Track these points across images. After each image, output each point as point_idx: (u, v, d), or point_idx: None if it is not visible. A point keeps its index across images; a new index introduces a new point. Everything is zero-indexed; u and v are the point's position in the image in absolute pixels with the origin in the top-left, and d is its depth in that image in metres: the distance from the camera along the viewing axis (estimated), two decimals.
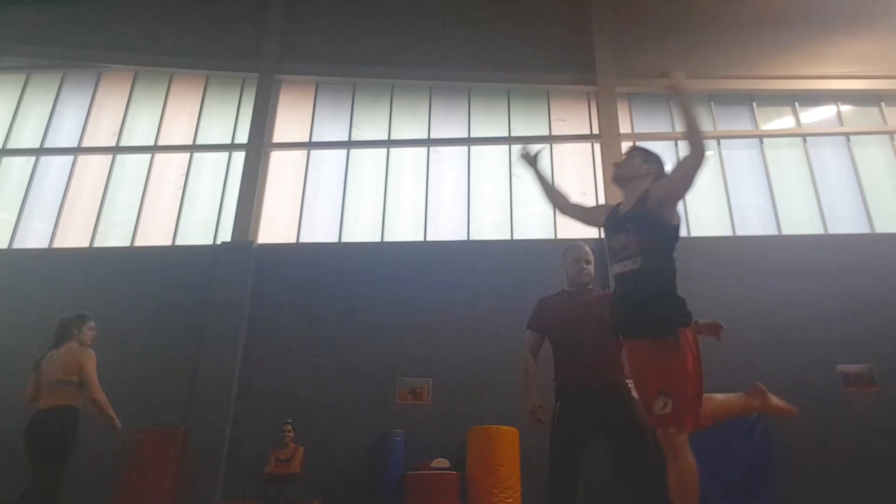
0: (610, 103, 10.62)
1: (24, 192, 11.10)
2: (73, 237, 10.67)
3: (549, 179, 4.14)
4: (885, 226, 9.65)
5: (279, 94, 11.51)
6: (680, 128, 10.86)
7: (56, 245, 10.63)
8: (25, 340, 9.58)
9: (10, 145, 11.60)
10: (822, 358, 8.52)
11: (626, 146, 10.27)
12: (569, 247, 4.25)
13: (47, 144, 11.53)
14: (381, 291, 9.55)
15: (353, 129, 11.18)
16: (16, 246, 10.69)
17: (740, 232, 9.81)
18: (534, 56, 11.26)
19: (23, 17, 12.42)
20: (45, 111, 11.84)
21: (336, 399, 8.90)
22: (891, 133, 10.37)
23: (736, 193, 10.13)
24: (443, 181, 10.65)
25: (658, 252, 3.18)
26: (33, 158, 11.40)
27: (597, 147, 10.51)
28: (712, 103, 10.85)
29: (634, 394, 3.48)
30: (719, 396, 3.35)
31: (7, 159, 11.52)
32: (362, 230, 10.35)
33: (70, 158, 11.33)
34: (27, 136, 11.68)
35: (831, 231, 9.63)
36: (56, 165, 11.33)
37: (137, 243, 10.49)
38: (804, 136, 10.50)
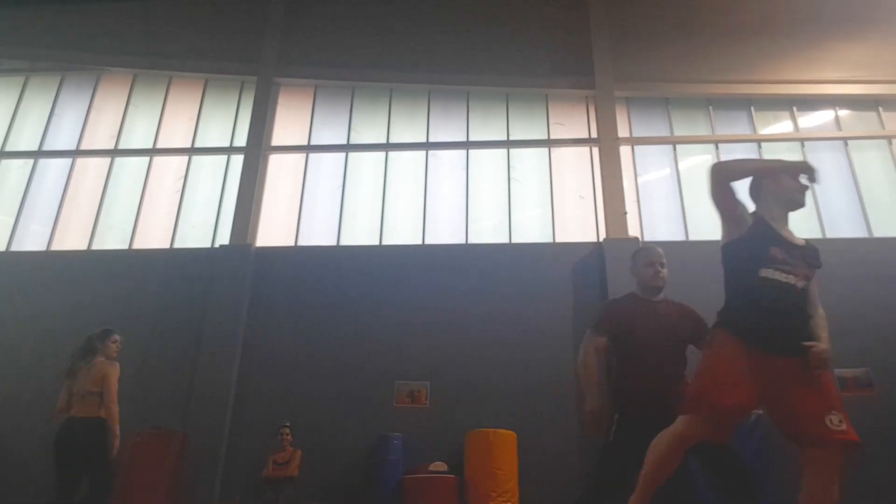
0: (608, 107, 10.63)
1: (22, 194, 11.10)
2: (72, 240, 10.67)
3: None
4: (882, 230, 9.67)
5: (278, 98, 11.52)
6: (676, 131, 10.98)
7: (54, 247, 10.62)
8: (24, 342, 9.61)
9: (8, 147, 11.61)
10: None
11: (624, 150, 10.38)
12: (640, 249, 3.96)
13: (46, 147, 11.53)
14: (379, 295, 9.55)
15: (352, 132, 11.19)
16: (14, 248, 10.69)
17: None
18: (532, 60, 11.28)
19: (22, 20, 12.44)
20: (44, 113, 11.85)
21: (334, 402, 8.90)
22: (889, 137, 10.40)
23: None
24: (441, 185, 10.65)
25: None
26: (32, 161, 11.41)
27: (595, 151, 10.52)
28: (710, 108, 10.86)
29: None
30: None
31: (6, 161, 11.52)
32: (361, 233, 10.36)
33: (69, 161, 11.33)
34: (26, 138, 11.69)
35: (829, 235, 9.64)
36: (55, 168, 11.34)
37: (136, 246, 10.49)
38: (802, 140, 10.52)
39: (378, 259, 9.90)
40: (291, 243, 10.33)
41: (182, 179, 10.97)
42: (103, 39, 12.13)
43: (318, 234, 10.40)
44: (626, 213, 9.72)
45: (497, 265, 9.61)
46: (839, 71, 10.69)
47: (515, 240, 10.07)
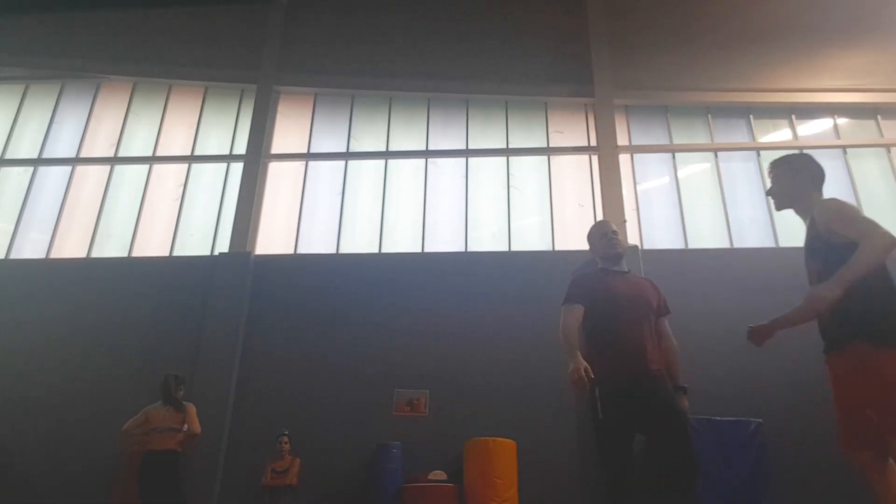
0: (607, 115, 10.65)
1: (21, 202, 11.10)
2: (71, 247, 10.66)
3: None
4: None
5: (278, 105, 11.55)
6: (677, 140, 11.01)
7: (53, 255, 10.62)
8: (23, 350, 9.59)
9: (8, 155, 11.62)
10: (820, 370, 8.42)
11: (623, 158, 10.39)
12: (591, 229, 4.09)
13: (45, 154, 11.54)
14: (378, 303, 9.53)
15: (352, 140, 11.21)
16: (13, 256, 10.68)
17: (738, 244, 9.81)
18: (531, 68, 11.30)
19: (22, 27, 12.47)
20: (44, 121, 11.87)
21: (333, 410, 8.87)
22: (887, 146, 10.41)
23: (733, 206, 10.14)
24: (441, 192, 10.66)
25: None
26: (31, 168, 11.42)
27: (594, 159, 10.53)
28: (709, 116, 10.88)
29: None
30: None
31: (5, 169, 11.53)
32: (360, 241, 10.35)
33: (68, 169, 11.34)
34: (25, 145, 11.70)
35: None
36: (54, 175, 11.34)
37: (135, 254, 10.48)
38: (801, 148, 10.51)
39: (377, 267, 9.89)
40: (291, 251, 10.33)
41: (182, 187, 10.97)
42: (103, 47, 12.16)
43: (318, 242, 10.40)
44: (625, 220, 9.73)
45: (496, 273, 9.60)
46: (838, 79, 10.71)
47: (515, 247, 10.07)
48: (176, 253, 10.44)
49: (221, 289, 9.66)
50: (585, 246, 9.99)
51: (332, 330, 9.40)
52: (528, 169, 10.73)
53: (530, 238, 10.19)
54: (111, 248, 10.63)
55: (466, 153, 10.89)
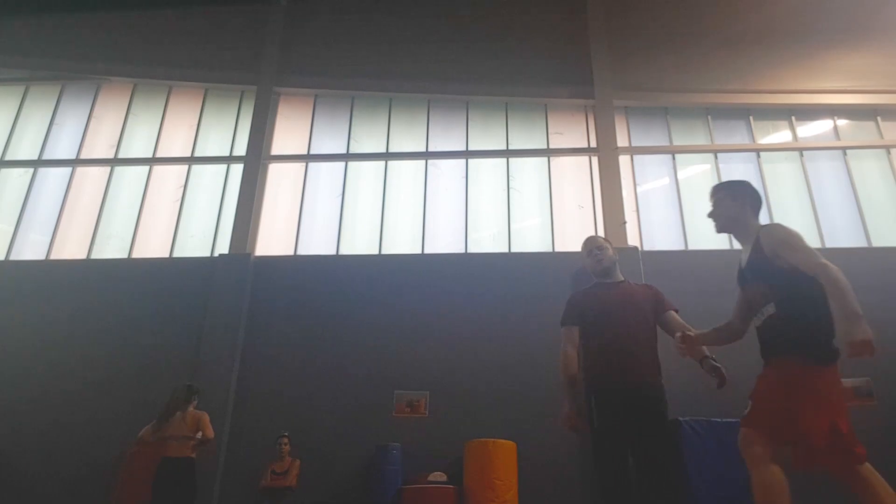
0: (607, 117, 10.66)
1: (21, 203, 11.10)
2: (71, 249, 10.66)
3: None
4: (881, 240, 9.67)
5: (278, 107, 11.55)
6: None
7: (53, 256, 10.62)
8: (23, 351, 9.59)
9: (8, 156, 11.62)
10: None
11: (623, 159, 10.39)
12: (581, 246, 4.14)
13: (46, 156, 11.55)
14: (378, 304, 9.53)
15: (352, 141, 11.21)
16: (13, 257, 10.68)
17: (737, 245, 9.76)
18: (532, 70, 11.31)
19: (22, 29, 12.48)
20: (44, 122, 11.87)
21: (333, 411, 8.87)
22: (887, 147, 10.42)
23: None
24: (441, 194, 10.66)
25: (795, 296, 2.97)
26: (31, 170, 11.42)
27: (594, 160, 10.54)
28: (709, 117, 10.89)
29: None
30: None
31: (5, 170, 11.53)
32: (360, 242, 10.35)
33: (68, 170, 11.34)
34: (25, 147, 11.70)
35: (828, 245, 9.64)
36: (54, 177, 11.35)
37: (135, 255, 10.48)
38: (801, 150, 10.54)
39: (377, 268, 9.89)
40: (291, 252, 10.33)
41: (182, 188, 10.97)
42: (104, 49, 12.17)
43: (318, 243, 10.40)
44: (625, 222, 9.73)
45: (496, 274, 9.60)
46: (837, 81, 10.72)
47: (515, 249, 10.07)
48: (176, 254, 10.44)
49: (221, 290, 9.67)
50: None
51: (331, 331, 9.39)
52: (528, 170, 10.73)
53: (530, 239, 10.19)
54: (111, 249, 10.64)
55: (466, 154, 10.90)
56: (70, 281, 10.03)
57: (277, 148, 11.19)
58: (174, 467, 6.44)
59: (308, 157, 11.11)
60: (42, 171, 11.43)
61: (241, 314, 9.55)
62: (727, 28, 11.19)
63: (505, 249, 10.08)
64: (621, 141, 10.61)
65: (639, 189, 10.44)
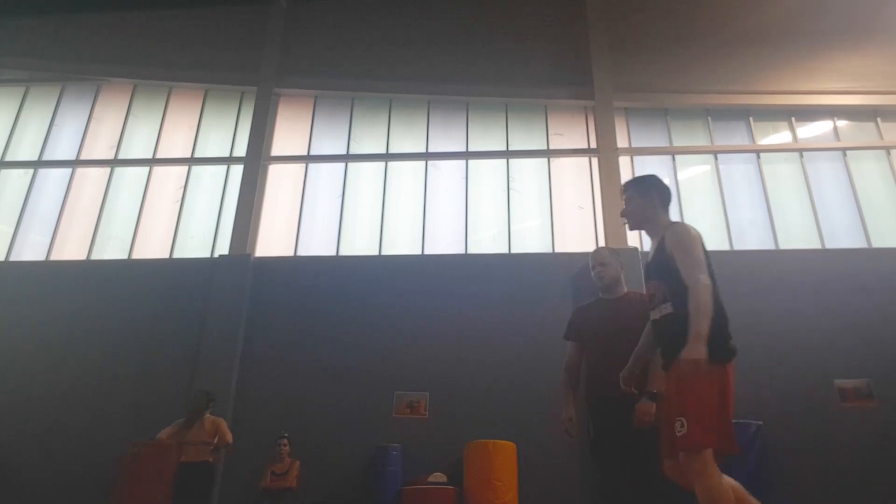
0: (607, 118, 10.66)
1: (21, 204, 11.10)
2: (71, 249, 10.66)
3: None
4: (881, 241, 9.67)
5: (278, 108, 11.56)
6: (673, 143, 11.02)
7: (53, 257, 10.61)
8: (23, 352, 9.59)
9: (8, 157, 11.62)
10: (819, 373, 8.51)
11: (623, 160, 10.39)
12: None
13: (45, 157, 11.55)
14: (378, 305, 9.53)
15: (352, 142, 11.22)
16: (13, 258, 10.68)
17: (737, 246, 9.82)
18: (531, 71, 11.32)
19: (23, 30, 12.49)
20: (44, 123, 11.88)
21: (333, 412, 8.87)
22: (887, 148, 10.42)
23: (733, 208, 10.15)
24: (440, 195, 10.66)
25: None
26: (31, 171, 11.42)
27: (594, 161, 10.54)
28: (709, 118, 10.89)
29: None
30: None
31: (5, 171, 11.53)
32: (360, 243, 10.35)
33: (68, 171, 11.34)
34: (25, 148, 11.71)
35: (828, 246, 9.64)
36: (54, 178, 11.35)
37: (135, 256, 10.48)
38: (801, 150, 10.54)
39: (377, 269, 9.89)
40: (291, 253, 10.33)
41: (182, 189, 10.97)
42: (104, 49, 12.18)
43: (318, 244, 10.40)
44: (624, 223, 9.70)
45: (496, 275, 9.60)
46: (837, 81, 10.73)
47: (515, 250, 10.07)
48: (176, 255, 10.44)
49: (221, 291, 9.66)
50: (585, 248, 10.05)
51: (331, 332, 9.39)
52: (528, 171, 10.73)
53: (530, 240, 10.19)
54: (111, 250, 10.63)
55: (466, 155, 10.90)
56: (70, 282, 10.03)
57: (277, 149, 11.19)
58: (192, 472, 6.67)
59: (308, 158, 11.11)
60: (42, 171, 11.43)
61: (241, 315, 9.55)
62: (727, 29, 11.20)
63: (505, 250, 10.08)
64: (621, 142, 10.61)
65: None
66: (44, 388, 9.24)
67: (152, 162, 11.27)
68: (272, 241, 10.46)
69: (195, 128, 11.52)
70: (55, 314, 9.80)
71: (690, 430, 2.80)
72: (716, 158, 10.60)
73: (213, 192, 10.93)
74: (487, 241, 10.28)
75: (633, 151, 10.67)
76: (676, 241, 3.11)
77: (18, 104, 12.11)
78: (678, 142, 10.77)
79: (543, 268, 9.56)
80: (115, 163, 11.33)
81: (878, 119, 10.62)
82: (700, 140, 10.78)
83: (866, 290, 9.00)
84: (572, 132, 11.01)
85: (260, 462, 8.08)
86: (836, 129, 10.69)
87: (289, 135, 11.37)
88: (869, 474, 7.95)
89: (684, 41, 11.20)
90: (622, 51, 11.25)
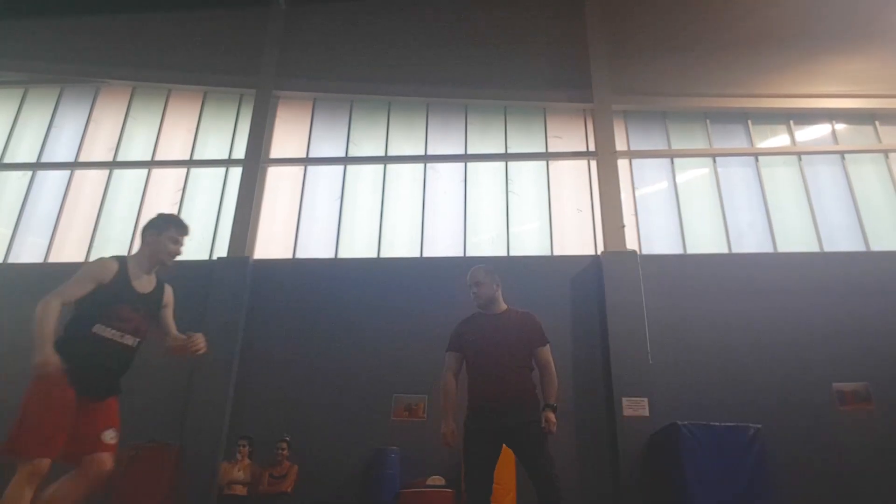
0: (606, 121, 10.67)
1: (20, 206, 11.10)
2: (69, 252, 10.65)
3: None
4: (880, 244, 9.68)
5: (276, 110, 11.56)
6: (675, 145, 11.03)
7: (52, 260, 10.62)
8: (21, 355, 9.56)
9: (6, 159, 11.62)
10: (817, 376, 8.51)
11: (622, 163, 10.40)
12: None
13: (44, 159, 11.55)
14: (377, 308, 9.53)
15: (351, 145, 11.22)
16: (11, 260, 10.67)
17: (736, 249, 9.82)
18: (530, 73, 11.33)
19: (22, 32, 12.48)
20: (43, 125, 11.87)
21: (331, 415, 8.86)
22: (885, 151, 10.43)
23: (731, 211, 10.15)
24: (439, 197, 10.66)
25: None
26: (30, 172, 11.42)
27: (593, 164, 10.55)
28: (707, 121, 10.90)
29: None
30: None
31: (4, 173, 11.53)
32: (359, 246, 10.35)
33: (67, 173, 11.34)
34: (24, 150, 11.70)
35: (826, 249, 9.65)
36: (53, 180, 11.34)
37: None
38: (799, 154, 10.55)
39: (376, 272, 9.89)
40: (289, 255, 10.32)
41: (180, 192, 10.97)
42: (103, 51, 12.18)
43: (316, 247, 10.40)
44: (623, 226, 9.73)
45: None
46: (836, 85, 10.74)
47: (513, 252, 10.07)
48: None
49: (220, 293, 9.66)
50: (584, 251, 10.04)
51: (330, 335, 9.39)
52: (527, 174, 10.74)
53: (529, 243, 10.19)
54: (110, 252, 10.50)
55: (465, 158, 10.91)
56: None
57: (276, 151, 11.19)
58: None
59: (307, 161, 11.12)
60: (41, 173, 11.43)
61: (240, 317, 9.54)
62: (725, 32, 11.21)
63: (504, 253, 10.08)
64: (620, 145, 10.62)
65: (637, 193, 10.45)
66: None
67: (151, 164, 11.27)
68: (271, 244, 10.45)
69: (194, 130, 11.53)
70: None
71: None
72: (714, 161, 10.61)
73: (212, 194, 10.93)
74: (486, 244, 10.29)
75: (631, 154, 10.68)
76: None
77: (17, 106, 12.11)
78: (677, 145, 10.78)
79: (542, 270, 9.56)
80: (113, 165, 11.33)
81: (877, 122, 10.63)
82: (698, 143, 10.79)
83: (864, 293, 9.01)
84: (571, 135, 11.01)
85: (258, 464, 8.07)
86: (834, 132, 10.70)
87: (288, 137, 11.37)
88: (867, 477, 7.95)
89: (683, 44, 11.22)
90: (621, 54, 11.26)
